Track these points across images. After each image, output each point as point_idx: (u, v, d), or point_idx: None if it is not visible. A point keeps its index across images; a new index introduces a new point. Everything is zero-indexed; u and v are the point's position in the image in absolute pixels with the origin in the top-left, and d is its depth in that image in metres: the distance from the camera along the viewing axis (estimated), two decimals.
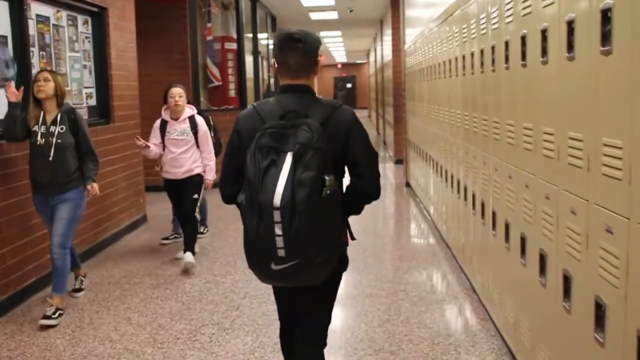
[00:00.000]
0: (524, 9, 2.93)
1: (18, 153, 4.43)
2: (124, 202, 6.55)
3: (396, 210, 8.43)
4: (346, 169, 2.37)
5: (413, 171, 8.84)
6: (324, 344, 2.49)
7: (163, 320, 4.12)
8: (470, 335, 3.75)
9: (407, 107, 9.41)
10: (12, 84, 4.15)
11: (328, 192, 2.09)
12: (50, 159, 4.07)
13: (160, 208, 7.49)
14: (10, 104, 4.04)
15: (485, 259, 4.02)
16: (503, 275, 3.53)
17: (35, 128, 4.12)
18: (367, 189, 2.35)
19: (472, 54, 4.17)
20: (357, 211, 2.44)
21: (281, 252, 2.08)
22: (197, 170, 5.30)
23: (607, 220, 2.02)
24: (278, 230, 2.06)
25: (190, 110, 5.36)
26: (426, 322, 3.96)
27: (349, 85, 38.25)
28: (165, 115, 5.31)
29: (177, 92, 5.24)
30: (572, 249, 2.34)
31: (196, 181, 5.30)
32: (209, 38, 10.00)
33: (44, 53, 5.13)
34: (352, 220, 2.43)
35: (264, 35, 13.18)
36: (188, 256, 5.18)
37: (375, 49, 20.84)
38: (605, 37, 2.00)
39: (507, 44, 3.25)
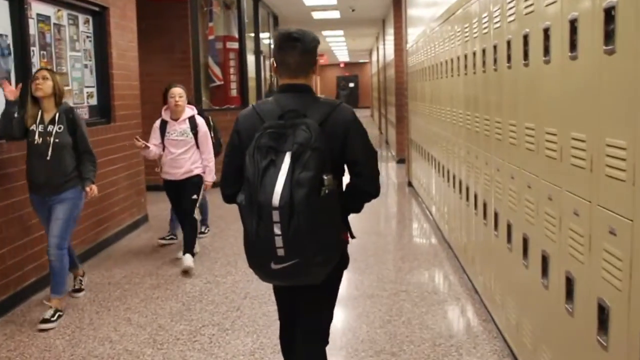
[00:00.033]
0: (526, 7, 2.90)
1: (18, 153, 4.42)
2: (125, 202, 6.54)
3: (398, 210, 8.41)
4: (346, 167, 2.37)
5: (415, 171, 8.82)
6: (326, 342, 2.49)
7: (163, 321, 4.11)
8: (472, 337, 3.73)
9: (409, 107, 9.38)
10: (10, 82, 4.13)
11: (327, 191, 2.10)
12: (48, 158, 4.04)
13: (162, 207, 7.45)
14: (7, 102, 4.02)
15: (487, 259, 4.00)
16: (505, 277, 3.50)
17: (33, 127, 4.08)
18: (366, 188, 2.36)
19: (474, 54, 4.15)
20: (357, 209, 2.44)
21: (280, 252, 2.09)
22: (196, 171, 5.26)
23: (610, 222, 1.99)
24: (277, 230, 2.07)
25: (190, 111, 5.31)
26: (428, 323, 3.94)
27: (351, 85, 38.25)
28: (165, 115, 5.27)
29: (177, 92, 5.19)
30: (574, 251, 2.31)
31: (195, 182, 5.25)
32: (211, 37, 9.98)
33: (45, 52, 5.11)
34: (354, 219, 2.42)
35: (266, 34, 13.16)
36: (187, 259, 5.14)
37: (377, 49, 20.82)
38: (609, 36, 1.98)
39: (509, 43, 3.23)
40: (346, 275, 2.48)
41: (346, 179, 2.40)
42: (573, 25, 2.28)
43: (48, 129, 4.07)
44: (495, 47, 3.55)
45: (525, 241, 2.99)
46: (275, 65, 2.36)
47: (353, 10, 13.47)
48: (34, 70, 4.72)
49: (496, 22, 3.51)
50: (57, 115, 4.11)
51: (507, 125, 3.31)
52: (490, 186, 3.79)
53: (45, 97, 4.09)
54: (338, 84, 38.14)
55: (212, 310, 4.28)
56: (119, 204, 6.35)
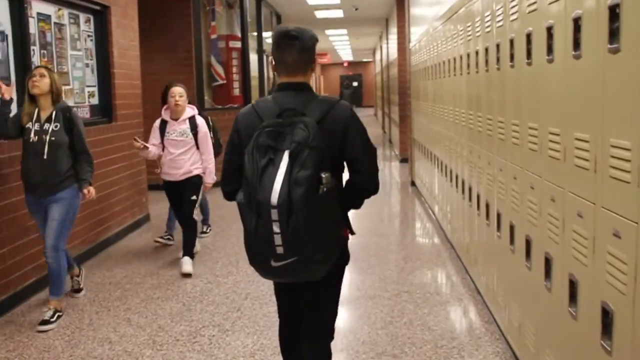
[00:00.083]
0: (529, 5, 2.86)
1: (17, 153, 4.40)
2: (127, 201, 6.52)
3: (401, 209, 8.37)
4: (345, 164, 2.37)
5: (418, 170, 8.78)
6: (331, 337, 2.51)
7: (163, 322, 4.08)
8: (474, 338, 3.69)
9: (412, 106, 9.35)
10: (7, 83, 4.10)
11: (325, 189, 2.11)
12: (45, 157, 3.98)
13: (163, 207, 7.38)
14: (3, 102, 3.99)
15: (489, 260, 3.96)
16: (508, 278, 3.47)
17: (29, 125, 4.02)
18: (365, 185, 2.36)
19: (477, 52, 4.11)
20: (357, 206, 2.45)
21: (280, 250, 2.11)
22: (196, 172, 5.20)
23: (614, 224, 1.96)
24: (276, 229, 2.09)
25: (191, 111, 5.25)
26: (430, 325, 3.91)
27: (355, 84, 38.23)
28: (165, 115, 5.21)
29: (178, 92, 5.11)
30: (578, 253, 2.28)
31: (195, 182, 5.19)
32: (214, 36, 9.97)
33: (45, 52, 5.09)
34: (356, 218, 2.40)
35: (269, 33, 13.12)
36: (186, 264, 5.09)
37: (381, 47, 20.77)
38: (613, 35, 1.94)
39: (512, 42, 3.19)
40: (347, 276, 2.47)
41: (345, 175, 2.39)
42: (577, 23, 2.24)
43: (44, 127, 4.01)
44: (498, 46, 3.51)
45: (528, 243, 2.95)
46: (273, 63, 2.36)
47: (356, 9, 13.43)
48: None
49: (499, 21, 3.47)
50: (54, 113, 4.05)
51: (510, 125, 3.27)
52: (492, 186, 3.75)
53: (42, 95, 4.03)
54: (342, 83, 38.15)
55: (213, 310, 4.26)
56: (120, 204, 6.33)
